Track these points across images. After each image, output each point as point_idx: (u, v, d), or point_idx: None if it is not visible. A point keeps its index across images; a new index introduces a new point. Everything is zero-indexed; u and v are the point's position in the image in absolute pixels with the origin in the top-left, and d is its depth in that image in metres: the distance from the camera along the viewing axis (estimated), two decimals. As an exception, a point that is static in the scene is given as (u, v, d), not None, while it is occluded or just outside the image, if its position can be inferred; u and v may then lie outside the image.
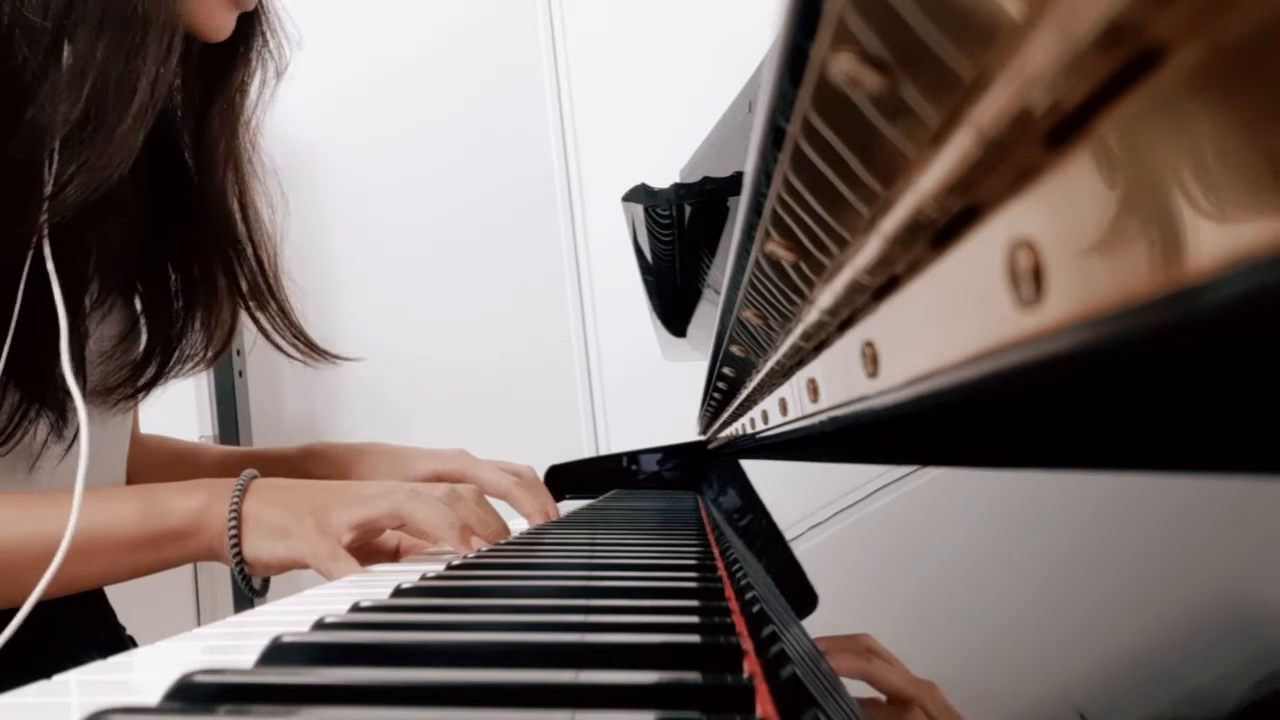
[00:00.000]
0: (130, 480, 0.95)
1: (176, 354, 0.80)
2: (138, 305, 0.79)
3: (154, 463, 0.96)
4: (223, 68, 0.78)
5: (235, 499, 0.66)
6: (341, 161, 1.91)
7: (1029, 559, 0.25)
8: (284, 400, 1.85)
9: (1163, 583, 0.18)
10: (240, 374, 1.77)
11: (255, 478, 0.69)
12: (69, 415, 0.69)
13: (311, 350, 0.86)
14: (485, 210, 1.95)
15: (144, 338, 0.78)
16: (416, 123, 1.93)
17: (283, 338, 0.84)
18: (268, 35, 0.79)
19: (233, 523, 0.66)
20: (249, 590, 0.69)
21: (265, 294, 0.82)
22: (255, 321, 0.82)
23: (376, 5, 1.92)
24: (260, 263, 0.81)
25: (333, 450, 0.93)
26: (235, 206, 0.79)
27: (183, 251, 0.80)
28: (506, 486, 0.87)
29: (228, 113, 0.78)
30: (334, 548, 0.64)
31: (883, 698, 0.30)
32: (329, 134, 1.90)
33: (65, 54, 0.62)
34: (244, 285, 0.81)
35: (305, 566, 0.66)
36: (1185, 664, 0.17)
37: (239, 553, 0.66)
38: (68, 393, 0.65)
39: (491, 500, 0.98)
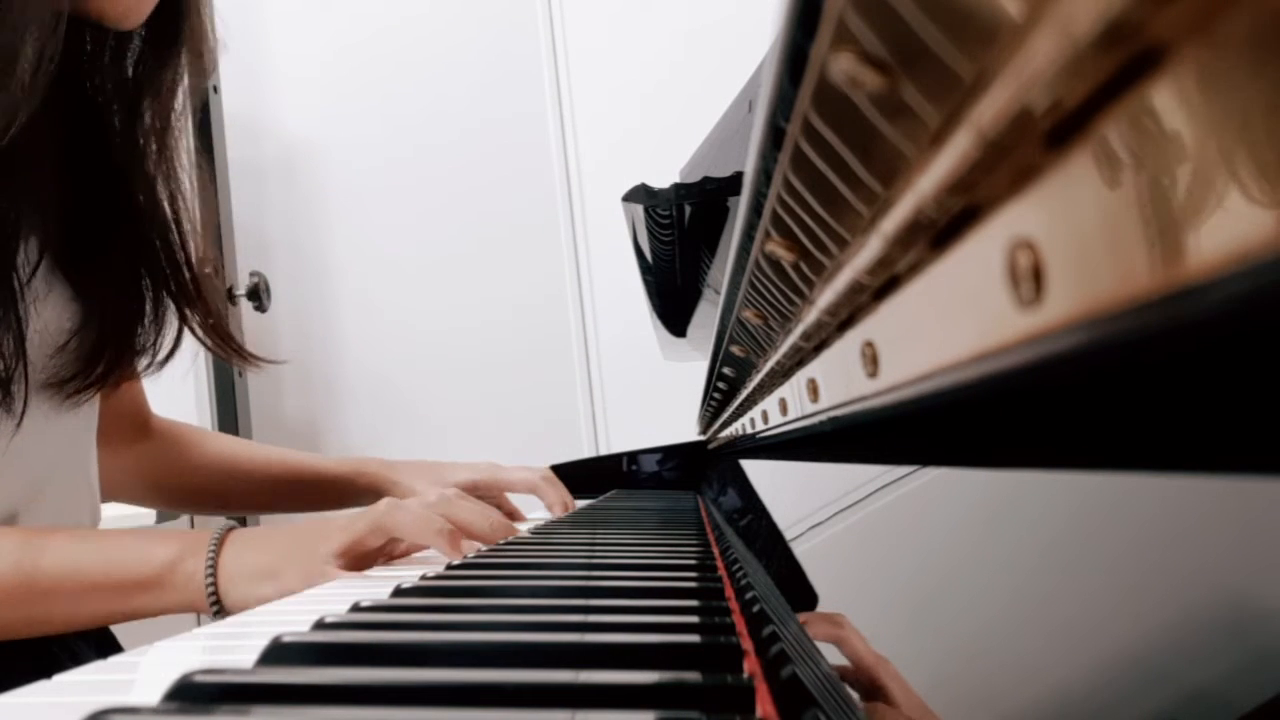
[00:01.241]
0: (158, 473, 0.96)
1: (130, 347, 0.80)
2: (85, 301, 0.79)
3: (189, 462, 0.97)
4: (152, 66, 0.78)
5: (211, 552, 0.65)
6: (342, 164, 1.92)
7: (1028, 559, 0.25)
8: (284, 400, 1.85)
9: (1163, 583, 0.18)
10: (240, 374, 1.77)
11: (232, 529, 0.68)
12: (13, 392, 0.67)
13: (236, 353, 0.86)
14: (486, 211, 1.95)
15: (97, 330, 0.78)
16: (417, 124, 1.93)
17: (209, 337, 0.83)
18: (196, 35, 0.79)
19: (210, 575, 0.64)
20: None
21: (191, 292, 0.81)
22: (182, 318, 0.82)
23: (378, 6, 1.93)
24: (188, 261, 0.81)
25: (379, 464, 1.01)
26: (166, 204, 0.79)
27: (122, 248, 0.80)
28: (533, 481, 1.02)
29: (158, 112, 0.78)
30: (326, 570, 0.63)
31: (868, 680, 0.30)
32: (329, 136, 1.90)
33: None
34: (172, 283, 0.81)
35: None
36: (1186, 663, 0.17)
37: (217, 604, 0.64)
38: (8, 369, 0.64)
39: (516, 498, 1.03)
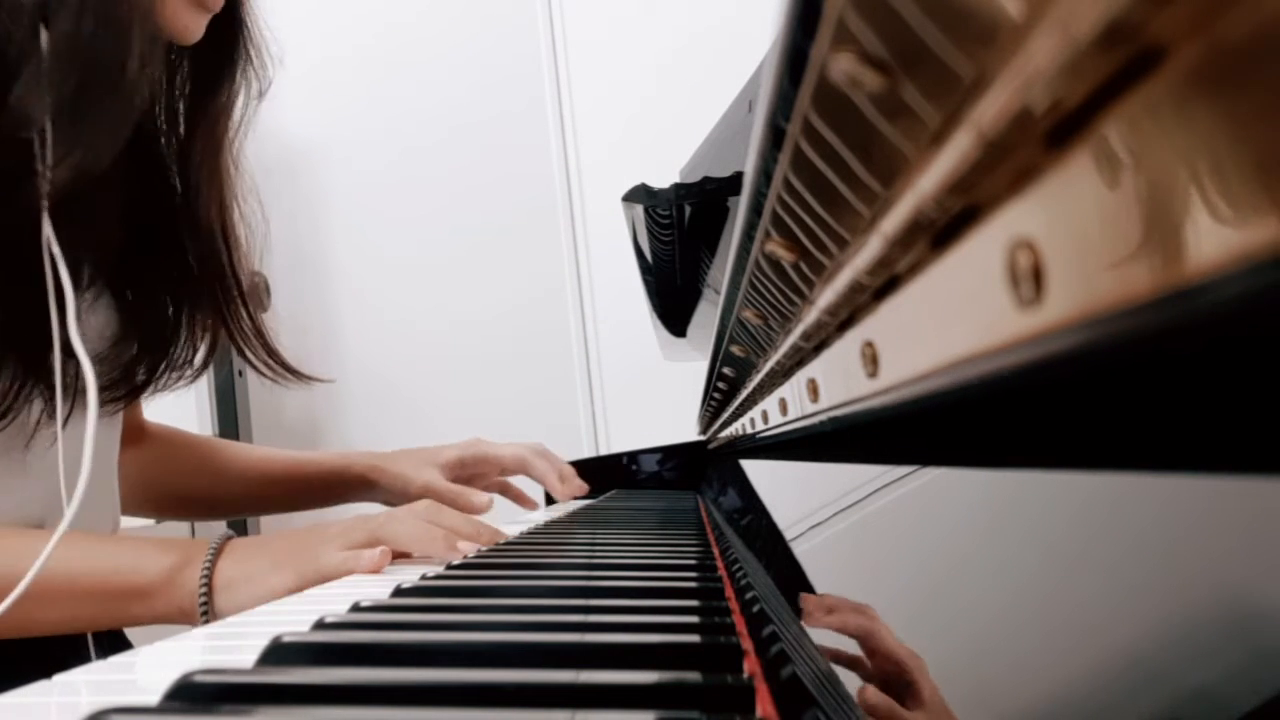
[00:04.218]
0: (150, 479, 0.96)
1: (166, 362, 0.80)
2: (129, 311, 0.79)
3: (181, 467, 0.97)
4: (207, 85, 0.78)
5: (208, 561, 0.65)
6: (342, 164, 1.91)
7: (1029, 559, 0.25)
8: (284, 400, 1.85)
9: (1162, 583, 0.18)
10: (240, 374, 1.77)
11: (230, 538, 0.68)
12: (64, 393, 0.68)
13: (285, 370, 0.87)
14: (486, 211, 1.95)
15: (136, 342, 0.78)
16: (417, 124, 1.93)
17: (256, 356, 0.84)
18: (251, 53, 0.79)
19: (204, 583, 0.64)
20: None
21: (241, 313, 0.82)
22: (231, 339, 0.82)
23: (377, 7, 1.92)
24: (238, 283, 0.81)
25: (371, 457, 1.00)
26: (216, 226, 0.79)
27: (169, 265, 0.80)
28: (522, 456, 0.99)
29: (211, 133, 0.78)
30: (321, 569, 0.63)
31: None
32: (330, 137, 1.90)
33: (44, 36, 0.63)
34: (221, 303, 0.81)
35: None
36: (1186, 664, 0.17)
37: (207, 613, 0.64)
38: (63, 369, 0.64)
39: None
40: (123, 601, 0.65)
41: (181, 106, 0.78)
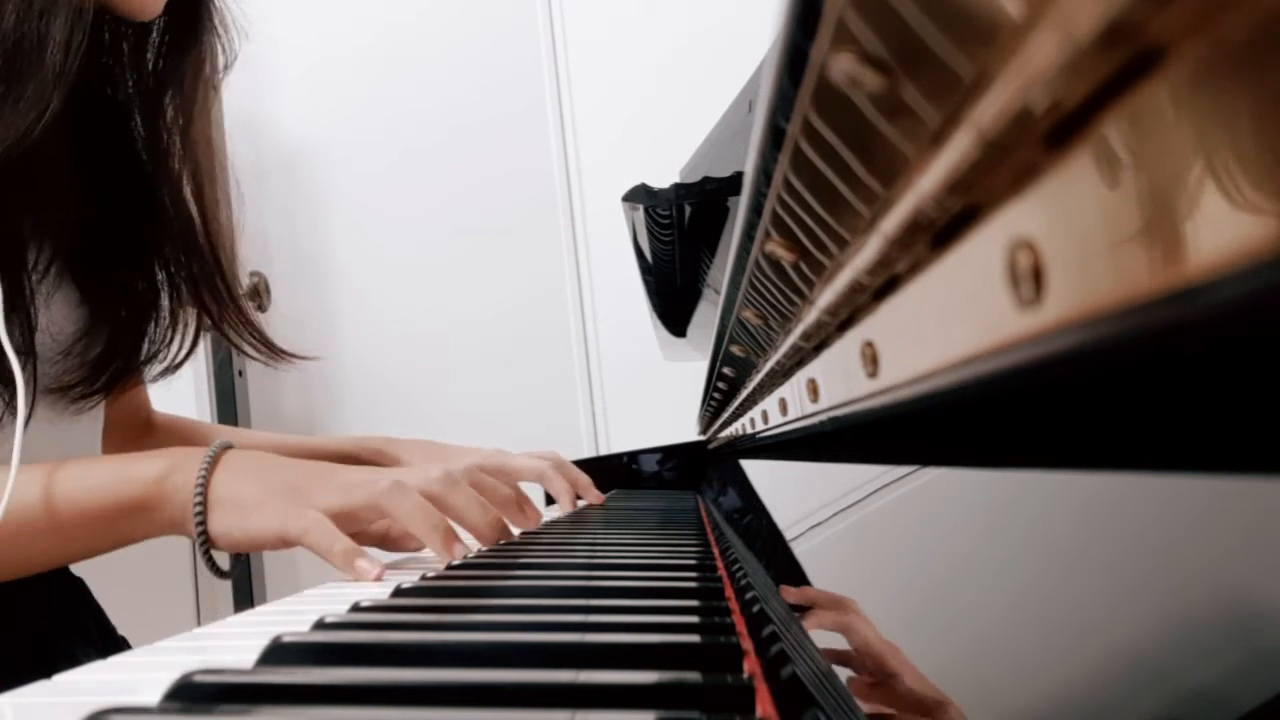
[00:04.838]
0: None
1: (143, 352, 0.78)
2: (100, 305, 0.77)
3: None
4: (175, 58, 0.77)
5: (203, 470, 0.62)
6: (342, 164, 1.91)
7: (1029, 559, 0.25)
8: (284, 399, 1.85)
9: (1162, 583, 0.18)
10: (240, 373, 1.77)
11: (228, 447, 0.65)
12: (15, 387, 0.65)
13: (270, 350, 0.84)
14: (486, 211, 1.95)
15: (105, 337, 0.76)
16: (417, 124, 1.93)
17: (241, 338, 0.82)
18: (216, 23, 0.78)
19: (199, 495, 0.61)
20: (214, 572, 0.64)
21: (222, 293, 0.79)
22: (213, 320, 0.80)
23: (377, 7, 1.93)
24: (217, 261, 0.78)
25: (382, 442, 0.97)
26: (192, 203, 0.77)
27: (142, 248, 0.78)
28: (541, 469, 0.96)
29: (180, 105, 0.77)
30: (316, 517, 0.60)
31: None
32: (329, 137, 1.90)
33: None
34: (201, 284, 0.79)
35: (277, 546, 0.61)
36: (1186, 664, 0.17)
37: (204, 529, 0.61)
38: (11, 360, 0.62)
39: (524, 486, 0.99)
40: (114, 520, 0.62)
41: (151, 81, 0.77)
